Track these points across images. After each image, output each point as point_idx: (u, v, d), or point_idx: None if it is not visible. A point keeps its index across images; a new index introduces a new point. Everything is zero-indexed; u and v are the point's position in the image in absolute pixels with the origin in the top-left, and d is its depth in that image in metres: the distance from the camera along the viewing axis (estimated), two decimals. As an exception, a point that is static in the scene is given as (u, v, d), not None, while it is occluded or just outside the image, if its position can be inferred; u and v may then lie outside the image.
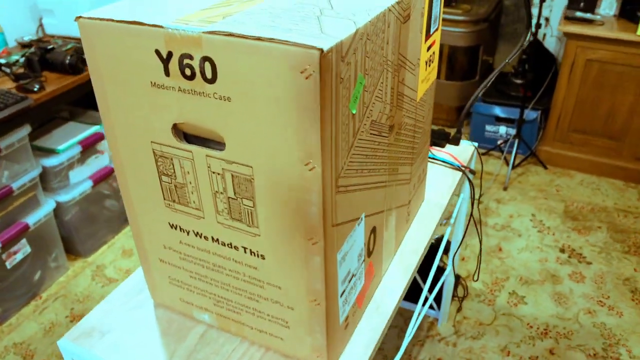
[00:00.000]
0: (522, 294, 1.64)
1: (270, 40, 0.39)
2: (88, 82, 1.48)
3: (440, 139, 1.05)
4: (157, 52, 0.44)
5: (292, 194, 0.46)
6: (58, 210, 1.52)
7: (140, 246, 0.62)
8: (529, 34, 1.18)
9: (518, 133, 2.19)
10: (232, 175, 0.48)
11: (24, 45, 1.64)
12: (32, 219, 1.43)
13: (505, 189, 2.18)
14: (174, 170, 0.51)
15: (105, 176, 1.64)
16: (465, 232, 1.18)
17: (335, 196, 0.47)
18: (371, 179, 0.56)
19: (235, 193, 0.49)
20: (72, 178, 1.55)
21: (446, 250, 1.31)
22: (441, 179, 0.96)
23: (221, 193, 0.50)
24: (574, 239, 1.86)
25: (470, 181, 0.99)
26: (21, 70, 1.44)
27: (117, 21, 0.44)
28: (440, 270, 1.40)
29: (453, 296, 1.57)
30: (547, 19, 2.39)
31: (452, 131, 1.08)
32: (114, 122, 0.51)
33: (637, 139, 2.10)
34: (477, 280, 1.68)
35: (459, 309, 1.57)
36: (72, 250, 1.67)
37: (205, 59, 0.42)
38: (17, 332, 1.49)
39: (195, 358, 0.61)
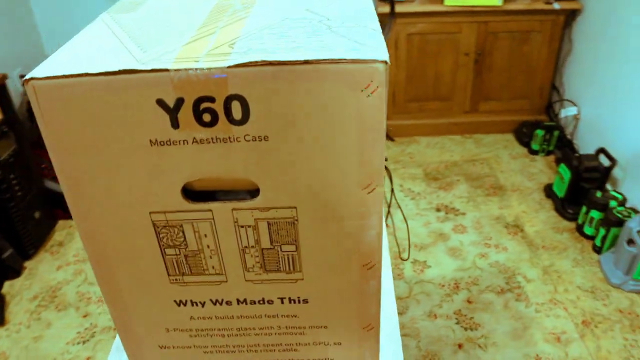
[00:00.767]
0: (422, 259, 1.77)
1: (322, 61, 0.34)
2: None
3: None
4: (160, 102, 0.35)
5: (348, 223, 0.42)
6: None
7: (127, 338, 0.50)
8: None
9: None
10: (269, 224, 0.42)
11: None
12: None
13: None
14: (184, 238, 0.43)
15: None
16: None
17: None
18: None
19: (272, 242, 0.43)
20: None
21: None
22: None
23: (252, 247, 0.43)
24: (442, 197, 2.07)
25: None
26: None
27: (95, 74, 0.34)
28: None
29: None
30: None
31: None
32: (90, 202, 0.40)
33: (461, 96, 2.41)
34: (407, 259, 1.75)
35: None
36: None
37: (232, 98, 0.35)
38: None
39: None
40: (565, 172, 1.94)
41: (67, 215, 1.97)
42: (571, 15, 2.23)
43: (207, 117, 0.36)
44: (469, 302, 1.58)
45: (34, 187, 1.87)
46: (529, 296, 1.58)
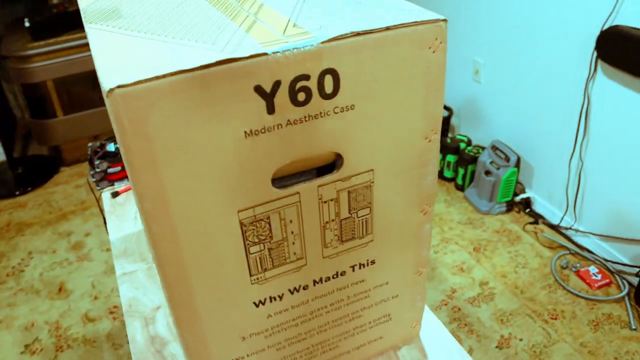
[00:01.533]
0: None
1: (400, 26, 0.37)
2: None
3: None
4: (258, 88, 0.35)
5: (413, 172, 0.45)
6: None
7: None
8: None
9: None
10: (349, 192, 0.43)
11: None
12: None
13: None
14: (269, 231, 0.42)
15: None
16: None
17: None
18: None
19: (350, 210, 0.44)
20: None
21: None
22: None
23: (332, 220, 0.44)
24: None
25: None
26: None
27: (190, 70, 0.32)
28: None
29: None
30: None
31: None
32: (172, 215, 0.37)
33: None
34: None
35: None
36: None
37: (325, 72, 0.36)
38: None
39: None
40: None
41: None
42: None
43: (301, 96, 0.37)
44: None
45: None
46: (425, 241, 1.78)
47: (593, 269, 1.54)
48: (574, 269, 1.57)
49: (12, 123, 2.56)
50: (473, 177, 2.02)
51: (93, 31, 0.41)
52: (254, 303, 0.46)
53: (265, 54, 0.34)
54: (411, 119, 0.42)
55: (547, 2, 1.61)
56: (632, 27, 1.36)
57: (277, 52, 0.34)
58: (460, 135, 2.13)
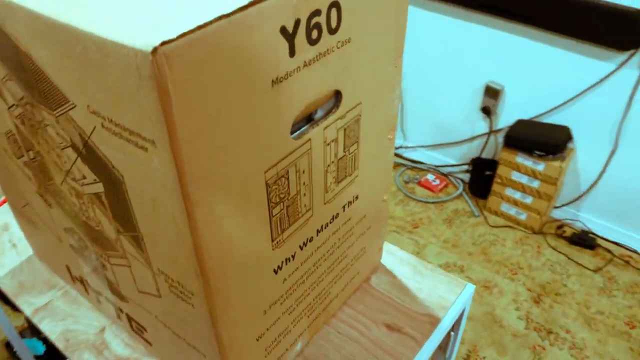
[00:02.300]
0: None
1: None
2: None
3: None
4: (283, 30, 0.32)
5: (384, 99, 0.47)
6: None
7: (227, 347, 0.43)
8: None
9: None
10: (345, 130, 0.43)
11: None
12: None
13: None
14: (287, 186, 0.39)
15: None
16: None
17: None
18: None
19: (344, 149, 0.44)
20: None
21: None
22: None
23: (332, 162, 0.43)
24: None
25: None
26: None
27: (229, 14, 0.28)
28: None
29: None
30: None
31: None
32: (208, 178, 0.32)
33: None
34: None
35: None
36: None
37: (332, 5, 0.35)
38: None
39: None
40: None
41: None
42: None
43: (314, 34, 0.35)
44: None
45: None
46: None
47: (430, 177, 1.79)
48: (415, 181, 1.81)
49: None
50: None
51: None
52: (274, 270, 0.43)
53: (286, -11, 0.31)
54: (386, 46, 0.44)
55: None
56: None
57: (296, -14, 0.32)
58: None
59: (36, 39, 0.33)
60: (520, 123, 1.61)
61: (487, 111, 1.68)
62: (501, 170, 1.65)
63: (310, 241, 0.47)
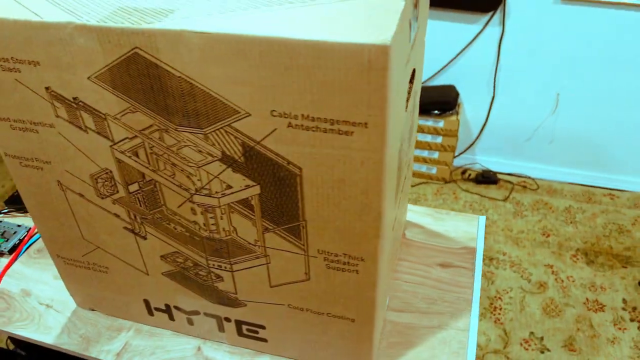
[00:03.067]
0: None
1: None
2: None
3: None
4: (410, 23, 0.38)
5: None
6: None
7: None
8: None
9: None
10: (414, 99, 0.50)
11: None
12: None
13: None
14: (407, 153, 0.46)
15: None
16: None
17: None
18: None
19: (412, 114, 0.52)
20: None
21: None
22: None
23: (412, 126, 0.51)
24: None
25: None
26: None
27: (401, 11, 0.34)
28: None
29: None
30: None
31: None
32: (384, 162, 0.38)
33: None
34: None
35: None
36: None
37: None
38: None
39: None
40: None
41: None
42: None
43: (414, 28, 0.42)
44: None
45: None
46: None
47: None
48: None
49: None
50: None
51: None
52: (392, 228, 0.50)
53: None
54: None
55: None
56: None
57: None
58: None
59: (209, 62, 0.35)
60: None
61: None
62: (405, 135, 1.84)
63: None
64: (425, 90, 1.81)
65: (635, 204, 1.76)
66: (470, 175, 1.94)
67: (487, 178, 1.88)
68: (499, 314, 1.39)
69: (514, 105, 1.80)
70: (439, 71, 1.82)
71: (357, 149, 0.37)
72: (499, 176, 1.92)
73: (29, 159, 0.48)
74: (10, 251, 0.69)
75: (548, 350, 1.30)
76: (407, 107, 0.45)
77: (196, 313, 0.56)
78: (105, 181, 0.47)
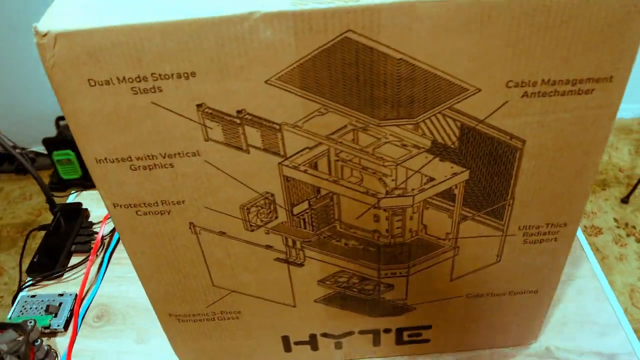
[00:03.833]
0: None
1: None
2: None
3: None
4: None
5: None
6: None
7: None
8: None
9: None
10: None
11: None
12: None
13: None
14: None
15: None
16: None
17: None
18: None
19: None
20: None
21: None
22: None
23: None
24: None
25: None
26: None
27: None
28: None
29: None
30: None
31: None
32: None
33: None
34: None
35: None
36: None
37: None
38: None
39: None
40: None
41: None
42: None
43: None
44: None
45: None
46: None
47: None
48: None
49: None
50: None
51: None
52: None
53: None
54: None
55: None
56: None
57: None
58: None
59: (442, 36, 0.29)
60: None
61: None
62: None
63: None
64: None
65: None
66: None
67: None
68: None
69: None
70: None
71: (593, 107, 0.33)
72: None
73: (150, 205, 0.38)
74: (65, 327, 0.57)
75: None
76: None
77: (349, 334, 0.49)
78: (262, 208, 0.38)
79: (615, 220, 1.54)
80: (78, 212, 0.69)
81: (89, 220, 0.70)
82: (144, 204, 0.38)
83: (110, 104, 0.32)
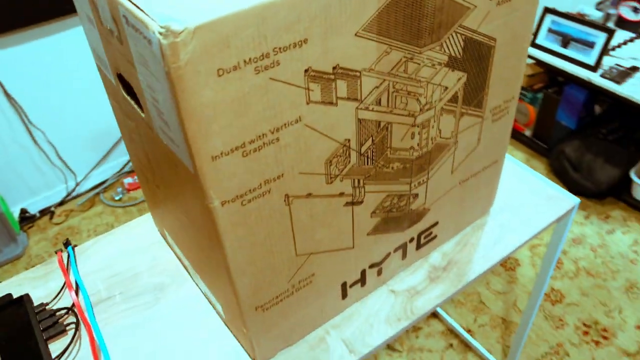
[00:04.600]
0: None
1: None
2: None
3: None
4: None
5: None
6: None
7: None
8: None
9: None
10: None
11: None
12: None
13: None
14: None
15: None
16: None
17: None
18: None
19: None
20: None
21: None
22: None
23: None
24: None
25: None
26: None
27: None
28: None
29: None
30: None
31: None
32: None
33: None
34: None
35: None
36: None
37: None
38: None
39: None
40: None
41: None
42: None
43: None
44: None
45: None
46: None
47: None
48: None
49: None
50: None
51: None
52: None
53: None
54: None
55: None
56: None
57: None
58: None
59: None
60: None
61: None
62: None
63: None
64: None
65: None
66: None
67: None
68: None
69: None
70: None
71: (532, 2, 0.49)
72: None
73: (255, 190, 0.39)
74: None
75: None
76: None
77: (387, 257, 0.57)
78: (340, 157, 0.43)
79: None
80: (20, 302, 0.57)
81: (36, 304, 0.59)
82: (250, 190, 0.39)
83: (233, 90, 0.33)
